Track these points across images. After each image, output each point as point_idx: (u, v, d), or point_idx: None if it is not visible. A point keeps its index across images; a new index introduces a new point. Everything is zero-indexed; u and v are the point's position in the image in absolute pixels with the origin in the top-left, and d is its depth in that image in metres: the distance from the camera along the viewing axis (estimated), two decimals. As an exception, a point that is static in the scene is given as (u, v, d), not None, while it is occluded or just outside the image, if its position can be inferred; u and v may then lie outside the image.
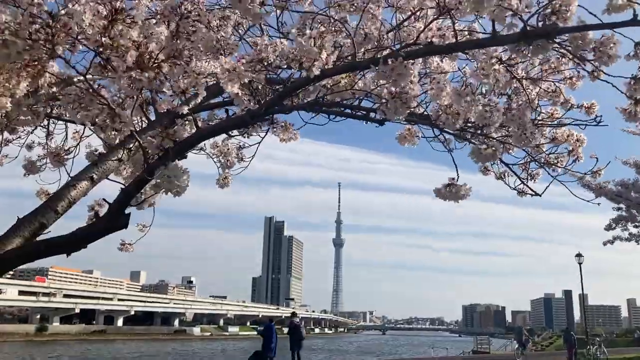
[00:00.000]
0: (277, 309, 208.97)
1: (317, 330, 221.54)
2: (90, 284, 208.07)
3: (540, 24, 2.79)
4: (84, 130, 4.48)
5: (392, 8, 3.96)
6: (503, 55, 3.45)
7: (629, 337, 73.10)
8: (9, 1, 2.21)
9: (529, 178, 4.18)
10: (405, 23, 3.94)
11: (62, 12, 2.30)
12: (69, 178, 3.72)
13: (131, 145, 3.64)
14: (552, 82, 4.00)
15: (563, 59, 3.80)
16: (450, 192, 3.61)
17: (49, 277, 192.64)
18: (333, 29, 4.13)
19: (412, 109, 3.13)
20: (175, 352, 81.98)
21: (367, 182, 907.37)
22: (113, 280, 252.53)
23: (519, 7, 2.76)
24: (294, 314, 26.24)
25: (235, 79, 2.84)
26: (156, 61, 2.49)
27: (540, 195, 4.14)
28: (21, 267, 3.76)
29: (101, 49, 2.43)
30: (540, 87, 4.00)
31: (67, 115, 4.17)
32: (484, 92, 3.79)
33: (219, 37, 3.43)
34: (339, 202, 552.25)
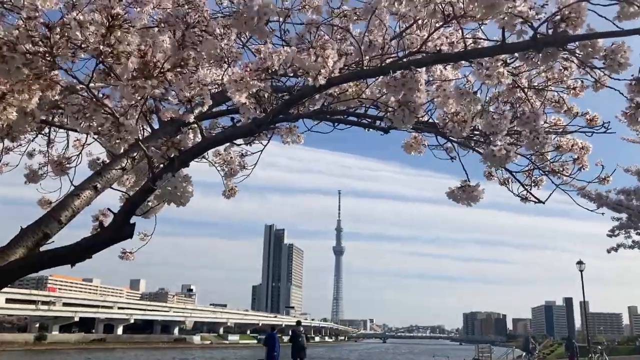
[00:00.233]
0: (275, 317, 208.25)
1: (317, 339, 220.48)
2: (90, 292, 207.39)
3: (550, 31, 2.77)
4: (86, 138, 4.46)
5: (396, 16, 3.95)
6: (509, 60, 3.43)
7: (631, 345, 72.73)
8: (10, 10, 2.18)
9: (533, 185, 4.15)
10: (408, 31, 3.93)
11: (59, 23, 2.27)
12: (72, 187, 3.69)
13: (135, 154, 3.61)
14: (556, 92, 3.99)
15: (566, 70, 3.79)
16: (464, 193, 3.55)
17: (49, 285, 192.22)
18: (338, 37, 4.12)
19: (419, 117, 3.11)
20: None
21: (369, 190, 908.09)
22: (113, 289, 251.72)
23: (529, 14, 2.74)
24: (298, 323, 26.27)
25: (243, 89, 2.82)
26: (162, 70, 2.46)
27: (543, 203, 4.12)
28: (22, 277, 3.72)
29: (102, 57, 2.39)
30: (545, 97, 3.98)
31: (70, 125, 4.15)
32: (487, 98, 3.78)
33: (222, 45, 3.41)
34: (339, 209, 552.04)
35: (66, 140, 4.55)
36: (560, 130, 4.00)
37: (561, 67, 3.77)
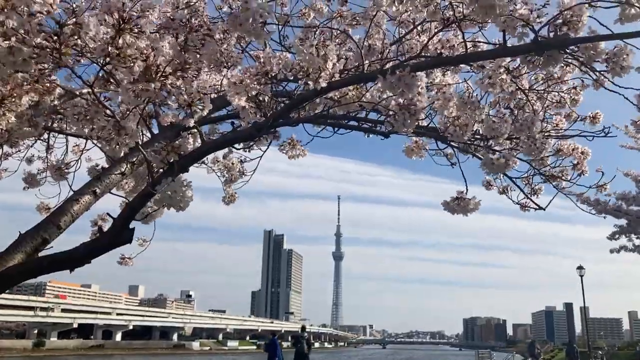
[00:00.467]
0: (272, 322, 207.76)
1: (317, 345, 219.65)
2: (88, 298, 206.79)
3: (551, 34, 2.77)
4: (85, 143, 4.45)
5: (395, 22, 3.95)
6: (510, 65, 3.43)
7: (631, 350, 72.56)
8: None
9: (532, 193, 4.15)
10: (407, 36, 3.93)
11: (70, 22, 2.27)
12: (71, 192, 3.67)
13: (134, 159, 3.60)
14: (557, 92, 3.99)
15: (567, 68, 3.79)
16: (459, 205, 3.57)
17: (47, 291, 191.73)
18: (337, 40, 4.12)
19: (419, 121, 3.10)
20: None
21: (368, 195, 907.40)
22: (111, 295, 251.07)
23: (530, 17, 2.74)
24: (303, 329, 26.34)
25: (242, 92, 2.81)
26: (163, 74, 2.46)
27: (544, 209, 4.12)
28: (20, 283, 3.70)
29: (108, 60, 2.39)
30: (546, 99, 3.98)
31: (70, 129, 4.14)
32: (488, 103, 3.77)
33: (222, 50, 3.41)
34: (339, 215, 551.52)
35: (65, 146, 4.55)
36: (561, 133, 4.00)
37: (562, 66, 3.77)
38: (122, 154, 3.48)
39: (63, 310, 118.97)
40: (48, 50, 2.19)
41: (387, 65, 3.57)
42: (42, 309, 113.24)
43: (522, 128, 3.28)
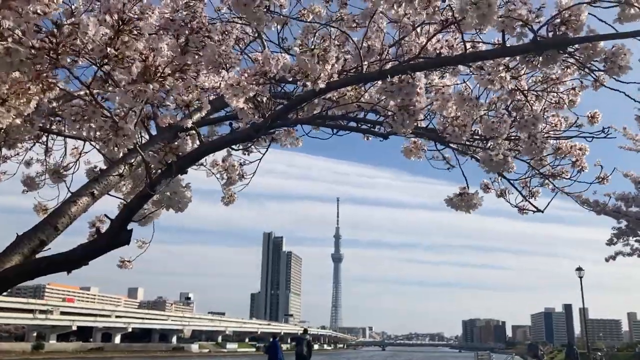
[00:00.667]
0: (269, 324, 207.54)
1: (316, 347, 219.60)
2: (87, 301, 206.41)
3: (550, 34, 2.77)
4: (83, 146, 4.45)
5: (394, 25, 3.94)
6: (510, 63, 3.43)
7: (630, 352, 72.53)
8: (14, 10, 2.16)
9: (530, 196, 4.15)
10: (406, 38, 3.92)
11: (68, 22, 2.26)
12: (69, 194, 3.66)
13: (133, 160, 3.59)
14: (556, 92, 3.99)
15: (568, 70, 3.78)
16: (463, 201, 3.55)
17: (46, 294, 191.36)
18: (336, 42, 4.12)
19: (418, 122, 3.09)
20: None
21: (367, 197, 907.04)
22: (111, 297, 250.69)
23: (529, 17, 2.74)
24: (305, 331, 26.47)
25: (239, 94, 2.80)
26: (162, 75, 2.45)
27: (542, 212, 4.11)
28: (18, 284, 3.68)
29: (106, 61, 2.38)
30: (545, 99, 3.98)
31: (68, 131, 4.12)
32: (487, 102, 3.77)
33: (220, 51, 3.40)
34: (338, 217, 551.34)
35: (64, 148, 4.54)
36: (560, 134, 4.00)
37: (563, 68, 3.76)
38: (120, 156, 3.47)
39: (62, 313, 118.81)
40: (45, 50, 2.19)
41: (387, 66, 3.57)
42: (41, 311, 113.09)
43: (526, 125, 3.26)
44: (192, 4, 3.30)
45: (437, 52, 3.44)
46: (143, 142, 3.78)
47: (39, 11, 2.11)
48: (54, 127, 4.26)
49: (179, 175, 3.23)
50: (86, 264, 3.11)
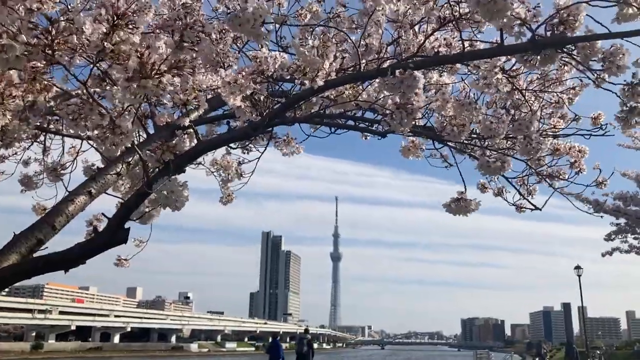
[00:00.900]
0: (265, 323, 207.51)
1: (315, 346, 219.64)
2: (86, 301, 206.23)
3: (548, 33, 2.76)
4: (81, 144, 4.44)
5: (393, 24, 3.94)
6: (506, 65, 3.43)
7: (629, 350, 72.68)
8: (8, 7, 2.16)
9: (527, 194, 4.15)
10: (404, 36, 3.92)
11: (62, 17, 2.25)
12: (67, 193, 3.65)
13: (130, 159, 3.58)
14: (554, 92, 3.99)
15: (565, 68, 3.78)
16: (459, 206, 3.56)
17: (45, 294, 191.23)
18: (334, 40, 4.11)
19: (416, 120, 3.10)
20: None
21: (366, 196, 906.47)
22: (109, 297, 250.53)
23: (527, 17, 2.73)
24: (306, 331, 26.63)
25: (237, 91, 2.80)
26: (159, 72, 2.44)
27: (540, 210, 4.12)
28: (16, 284, 3.68)
29: (101, 56, 2.37)
30: (543, 99, 3.98)
31: (66, 129, 4.12)
32: (485, 103, 3.77)
33: (218, 50, 3.40)
34: (337, 216, 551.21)
35: (62, 147, 4.54)
36: (558, 132, 4.00)
37: (561, 65, 3.76)
38: (117, 154, 3.46)
39: (61, 313, 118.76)
40: (40, 47, 2.18)
41: (384, 65, 3.56)
42: (40, 311, 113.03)
43: (520, 128, 3.29)
44: (189, 3, 3.30)
45: (435, 50, 3.43)
46: (140, 140, 3.78)
47: (34, 7, 2.10)
48: (51, 126, 4.25)
49: (177, 174, 3.22)
50: (83, 263, 3.11)
